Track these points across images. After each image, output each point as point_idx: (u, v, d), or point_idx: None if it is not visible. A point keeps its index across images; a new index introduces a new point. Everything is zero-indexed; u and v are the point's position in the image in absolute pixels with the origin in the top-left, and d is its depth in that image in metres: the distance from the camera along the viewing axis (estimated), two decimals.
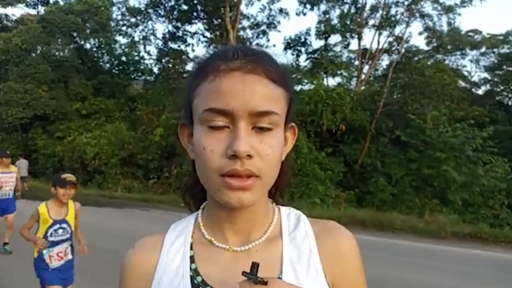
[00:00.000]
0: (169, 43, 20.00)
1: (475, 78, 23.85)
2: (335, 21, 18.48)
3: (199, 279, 0.64)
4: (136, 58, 22.05)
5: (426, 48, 21.16)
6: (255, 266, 0.48)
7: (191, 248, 0.68)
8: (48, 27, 19.36)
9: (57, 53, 20.54)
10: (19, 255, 5.84)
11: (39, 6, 23.28)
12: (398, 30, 17.96)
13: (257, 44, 20.01)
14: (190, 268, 0.65)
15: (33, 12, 23.46)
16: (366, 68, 18.29)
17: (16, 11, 36.21)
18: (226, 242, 0.67)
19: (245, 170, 0.57)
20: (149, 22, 20.00)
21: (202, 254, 0.67)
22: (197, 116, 0.61)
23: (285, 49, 19.42)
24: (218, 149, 0.58)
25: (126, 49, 22.00)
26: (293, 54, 19.58)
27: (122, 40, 21.86)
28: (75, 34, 20.90)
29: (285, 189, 0.76)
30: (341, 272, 0.66)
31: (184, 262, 0.66)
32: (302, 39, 19.35)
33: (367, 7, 18.00)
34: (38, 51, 19.98)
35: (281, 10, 19.47)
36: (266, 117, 0.59)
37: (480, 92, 23.07)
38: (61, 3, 22.04)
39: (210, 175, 0.59)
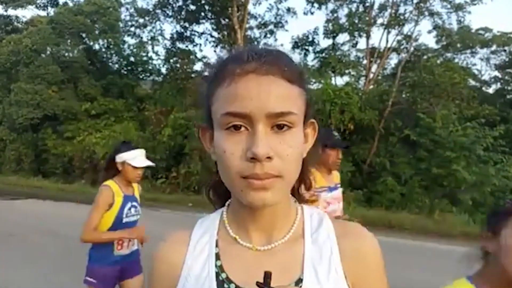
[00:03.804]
0: (177, 43, 20.08)
1: (486, 77, 23.54)
2: (343, 20, 18.33)
3: (223, 275, 0.67)
4: (144, 58, 22.14)
5: (435, 46, 20.90)
6: (267, 276, 0.49)
7: (217, 245, 0.70)
8: (57, 28, 19.52)
9: (66, 54, 20.70)
10: None
11: (49, 8, 23.51)
12: (407, 28, 17.78)
13: (265, 43, 20.01)
14: (216, 265, 0.68)
15: (43, 13, 23.73)
16: (374, 67, 18.15)
17: (26, 13, 36.75)
18: (250, 240, 0.69)
19: (264, 174, 0.58)
20: (157, 23, 20.13)
21: (227, 251, 0.70)
22: (216, 121, 0.63)
23: (293, 48, 19.33)
24: (238, 152, 0.59)
25: (135, 50, 22.10)
26: (300, 54, 19.48)
27: (131, 40, 22.01)
28: (84, 35, 21.04)
29: (310, 184, 0.76)
30: (362, 275, 0.67)
31: (210, 259, 0.69)
32: (310, 38, 19.27)
33: (376, 6, 17.88)
34: (48, 52, 20.16)
35: (288, 10, 19.41)
36: (284, 118, 0.59)
37: (491, 90, 22.77)
38: (70, 4, 22.23)
39: (232, 177, 0.60)
